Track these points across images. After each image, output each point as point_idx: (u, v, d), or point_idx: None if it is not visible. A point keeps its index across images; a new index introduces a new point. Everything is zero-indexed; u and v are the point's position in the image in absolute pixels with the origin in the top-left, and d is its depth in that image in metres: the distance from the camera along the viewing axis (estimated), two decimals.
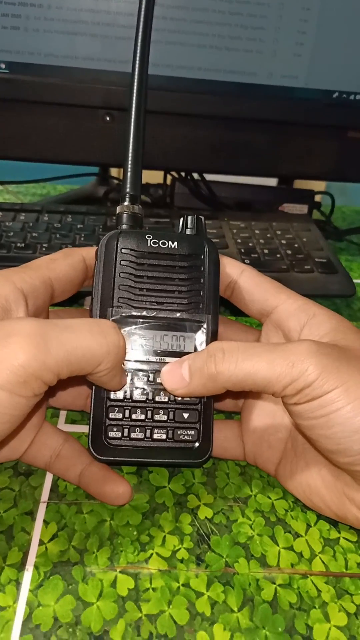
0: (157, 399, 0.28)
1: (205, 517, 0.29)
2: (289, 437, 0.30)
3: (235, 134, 0.55)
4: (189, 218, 0.31)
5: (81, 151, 0.54)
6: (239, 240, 0.52)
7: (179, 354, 0.28)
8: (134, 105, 0.32)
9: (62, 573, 0.26)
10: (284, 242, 0.53)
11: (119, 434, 0.28)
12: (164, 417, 0.28)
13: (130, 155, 0.31)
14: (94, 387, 0.28)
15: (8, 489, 0.29)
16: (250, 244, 0.52)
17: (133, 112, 0.32)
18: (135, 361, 0.28)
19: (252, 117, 0.53)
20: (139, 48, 0.32)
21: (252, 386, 0.25)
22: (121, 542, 0.27)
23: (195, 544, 0.28)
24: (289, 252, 0.51)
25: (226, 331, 0.33)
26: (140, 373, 0.28)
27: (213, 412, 0.29)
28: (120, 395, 0.28)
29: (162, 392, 0.28)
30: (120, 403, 0.28)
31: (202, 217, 0.31)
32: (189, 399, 0.29)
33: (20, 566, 0.26)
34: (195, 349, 0.29)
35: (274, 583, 0.26)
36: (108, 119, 0.52)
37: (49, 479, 0.30)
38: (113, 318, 0.28)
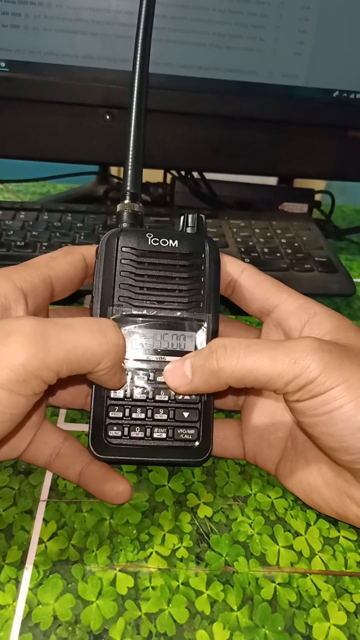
0: (157, 397, 0.28)
1: (205, 516, 0.29)
2: (289, 436, 0.30)
3: (235, 133, 0.55)
4: (190, 217, 0.31)
5: (81, 150, 0.54)
6: (239, 239, 0.52)
7: (180, 353, 0.28)
8: (134, 104, 0.32)
9: (61, 572, 0.26)
10: (284, 241, 0.53)
11: (119, 433, 0.28)
12: (164, 416, 0.28)
13: (130, 153, 0.31)
14: (94, 385, 0.28)
15: (8, 488, 0.29)
16: (250, 243, 0.52)
17: (133, 111, 0.32)
18: (136, 360, 0.28)
19: (252, 116, 0.52)
20: (139, 46, 0.32)
21: (254, 382, 0.25)
22: (121, 540, 0.27)
23: (194, 542, 0.28)
24: (289, 251, 0.51)
25: (226, 330, 0.33)
26: (141, 372, 0.28)
27: (213, 411, 0.29)
28: (120, 394, 0.28)
29: (162, 391, 0.28)
30: (120, 402, 0.28)
31: (203, 216, 0.31)
32: (189, 398, 0.29)
33: (20, 565, 0.26)
34: (196, 348, 0.29)
35: (274, 582, 0.26)
36: (108, 117, 0.52)
37: (48, 477, 0.30)
38: (113, 317, 0.28)
